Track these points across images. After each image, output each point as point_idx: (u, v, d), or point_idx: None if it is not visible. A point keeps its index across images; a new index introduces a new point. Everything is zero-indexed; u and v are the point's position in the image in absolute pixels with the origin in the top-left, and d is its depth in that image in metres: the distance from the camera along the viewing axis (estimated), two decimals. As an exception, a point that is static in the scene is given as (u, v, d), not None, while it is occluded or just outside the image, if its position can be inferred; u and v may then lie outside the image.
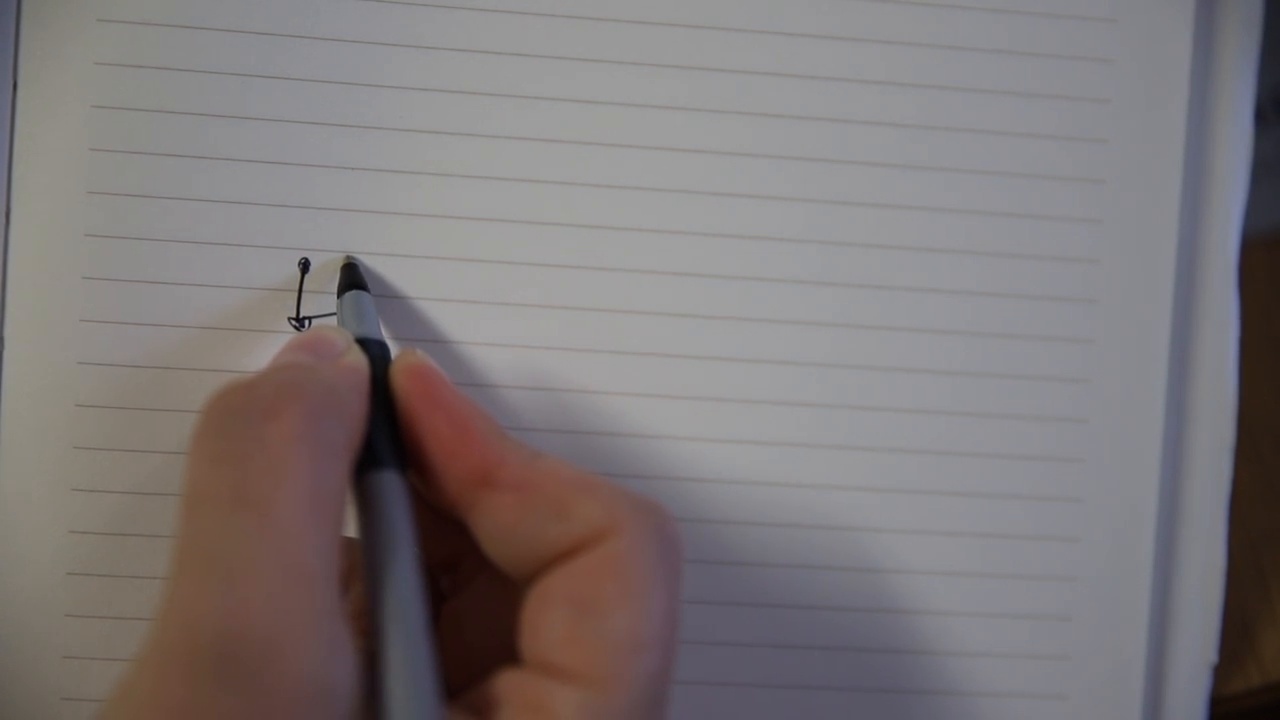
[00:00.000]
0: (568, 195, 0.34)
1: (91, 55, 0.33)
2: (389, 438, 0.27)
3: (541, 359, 0.35)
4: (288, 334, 0.34)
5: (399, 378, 0.28)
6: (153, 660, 0.22)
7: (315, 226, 0.34)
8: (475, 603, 0.29)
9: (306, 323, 0.34)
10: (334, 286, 0.34)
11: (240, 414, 0.25)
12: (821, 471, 0.35)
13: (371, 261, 0.34)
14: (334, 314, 0.33)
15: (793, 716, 0.35)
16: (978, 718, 0.36)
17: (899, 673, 0.36)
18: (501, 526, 0.26)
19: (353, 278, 0.33)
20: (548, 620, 0.25)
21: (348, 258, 0.34)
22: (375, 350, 0.29)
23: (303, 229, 0.34)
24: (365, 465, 0.26)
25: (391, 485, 0.26)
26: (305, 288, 0.34)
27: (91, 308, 0.33)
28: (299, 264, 0.34)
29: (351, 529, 0.26)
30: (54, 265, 0.33)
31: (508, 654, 0.26)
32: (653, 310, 0.35)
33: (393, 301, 0.34)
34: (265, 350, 0.34)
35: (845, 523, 0.35)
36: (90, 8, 0.33)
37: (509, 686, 0.25)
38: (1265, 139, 0.44)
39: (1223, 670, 0.38)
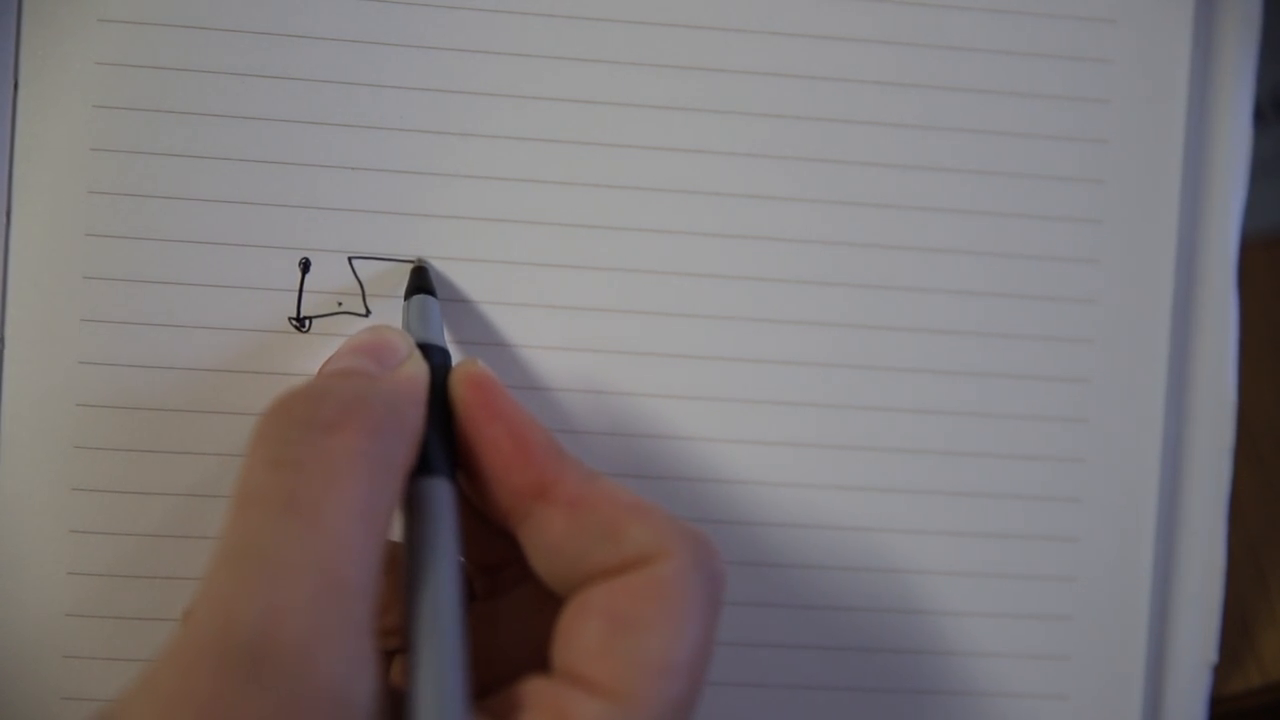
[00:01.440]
0: (567, 195, 0.34)
1: (92, 55, 0.33)
2: (443, 445, 0.27)
3: (538, 359, 0.35)
4: (288, 334, 0.34)
5: (459, 387, 0.28)
6: (184, 651, 0.21)
7: (316, 226, 0.34)
8: (512, 609, 0.29)
9: (307, 323, 0.34)
10: (336, 286, 0.34)
11: (302, 423, 0.25)
12: (821, 471, 0.35)
13: (372, 262, 0.34)
14: (343, 312, 0.33)
15: (793, 716, 0.35)
16: (978, 718, 0.36)
17: (899, 673, 0.35)
18: (551, 541, 0.26)
19: (421, 281, 0.33)
20: (583, 631, 0.25)
21: (419, 260, 0.34)
22: (437, 357, 0.29)
23: (303, 229, 0.34)
24: (417, 470, 0.26)
25: (441, 492, 0.26)
26: (305, 287, 0.34)
27: (92, 307, 0.33)
28: (299, 264, 0.34)
29: (396, 531, 0.26)
30: (55, 265, 0.33)
31: (538, 662, 0.26)
32: (651, 310, 0.35)
33: (394, 302, 0.34)
34: (265, 351, 0.34)
35: (845, 522, 0.35)
36: (91, 7, 0.33)
37: (534, 693, 0.25)
38: (1265, 139, 0.44)
39: (1223, 670, 0.38)
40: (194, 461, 0.34)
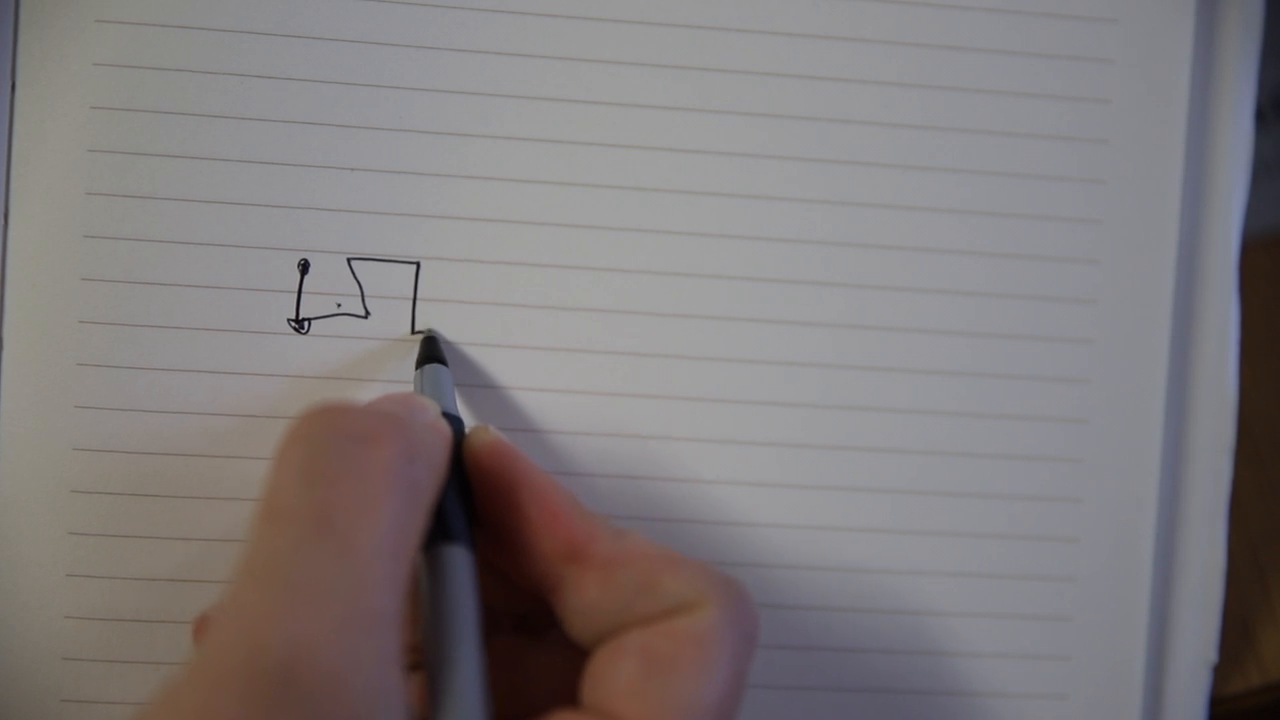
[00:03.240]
0: (567, 195, 0.34)
1: (90, 56, 0.33)
2: (462, 512, 0.27)
3: (536, 358, 0.35)
4: (287, 336, 0.34)
5: (482, 455, 0.28)
6: (210, 671, 0.21)
7: (314, 227, 0.34)
8: (541, 647, 0.29)
9: (306, 324, 0.34)
10: (335, 287, 0.34)
11: (340, 434, 0.24)
12: (821, 472, 0.35)
13: (372, 263, 0.34)
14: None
15: (793, 716, 0.35)
16: (978, 718, 0.36)
17: (899, 673, 0.36)
18: (587, 601, 0.27)
19: (432, 351, 0.33)
20: (617, 670, 0.25)
21: (429, 330, 0.34)
22: (454, 426, 0.29)
23: (302, 230, 0.34)
24: (435, 537, 0.26)
25: (461, 560, 0.26)
26: (304, 288, 0.34)
27: (90, 309, 0.33)
28: (298, 265, 0.34)
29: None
30: (53, 266, 0.33)
31: (566, 698, 0.27)
32: (649, 310, 0.35)
33: (397, 303, 0.34)
34: (264, 352, 0.34)
35: (845, 523, 0.35)
36: (89, 8, 0.33)
37: None
38: (1265, 139, 0.44)
39: (1223, 670, 0.38)
40: (194, 463, 0.34)
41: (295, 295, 0.34)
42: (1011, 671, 0.36)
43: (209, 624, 0.22)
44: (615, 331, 0.35)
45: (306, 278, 0.34)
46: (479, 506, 0.28)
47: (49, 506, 0.33)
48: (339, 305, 0.34)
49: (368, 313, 0.34)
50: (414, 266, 0.34)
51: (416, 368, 0.33)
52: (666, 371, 0.35)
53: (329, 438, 0.24)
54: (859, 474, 0.35)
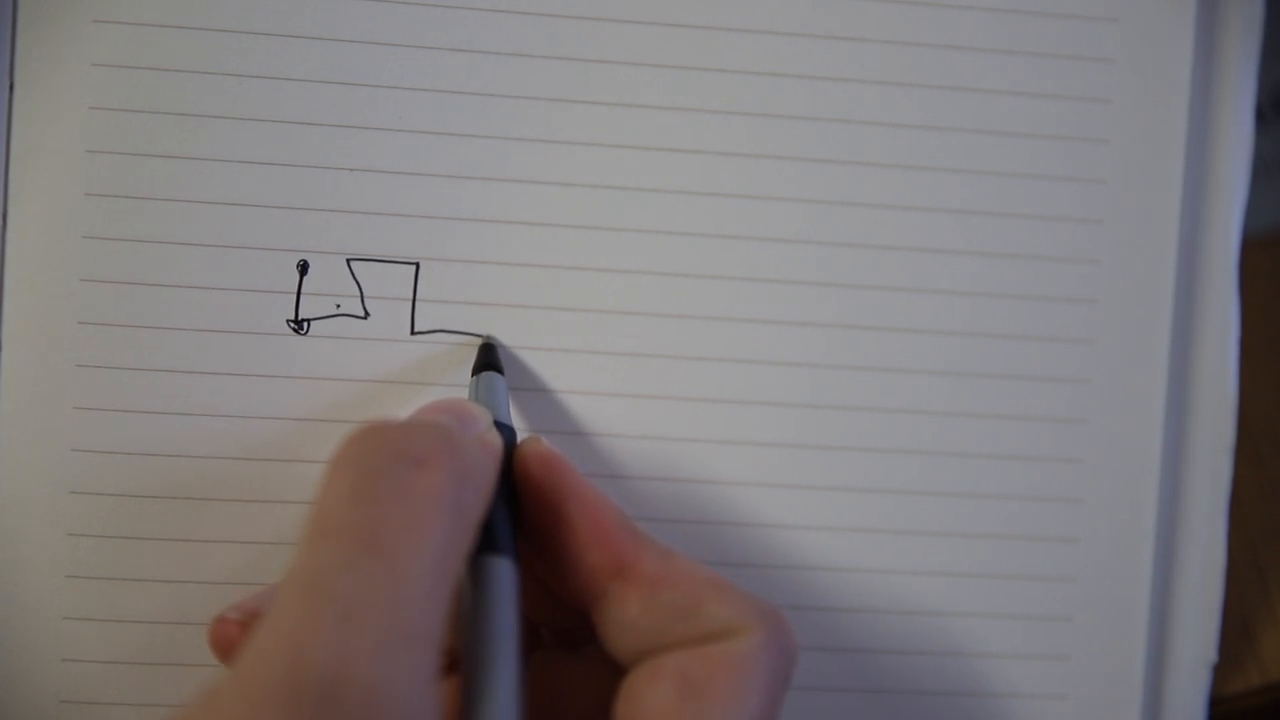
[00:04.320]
0: (567, 195, 0.34)
1: (89, 56, 0.33)
2: (508, 524, 0.27)
3: (536, 358, 0.34)
4: (286, 337, 0.34)
5: (532, 466, 0.28)
6: (250, 682, 0.21)
7: (314, 228, 0.34)
8: (577, 663, 0.29)
9: (305, 325, 0.34)
10: (334, 288, 0.34)
11: (393, 455, 0.24)
12: (820, 472, 0.35)
13: (371, 263, 0.34)
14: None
15: (792, 717, 0.35)
16: (978, 718, 0.36)
17: (899, 673, 0.36)
18: (629, 619, 0.27)
19: (489, 358, 0.33)
20: (653, 691, 0.25)
21: (487, 338, 0.34)
22: (505, 436, 0.29)
23: (301, 231, 0.34)
24: (481, 547, 0.26)
25: (505, 572, 0.26)
26: (304, 289, 0.34)
27: (89, 310, 0.33)
28: (297, 266, 0.34)
29: None
30: (51, 267, 0.33)
31: (597, 716, 0.27)
32: (648, 311, 0.35)
33: (397, 304, 0.34)
34: (263, 353, 0.34)
35: (844, 523, 0.35)
36: (87, 9, 0.33)
37: None
38: (1265, 139, 0.44)
39: (1223, 670, 0.38)
40: (193, 464, 0.34)
41: (295, 296, 0.34)
42: (1011, 671, 0.36)
43: (251, 635, 0.22)
44: (615, 332, 0.35)
45: (306, 278, 0.34)
46: (525, 516, 0.28)
47: (48, 507, 0.33)
48: (338, 306, 0.34)
49: (367, 313, 0.34)
50: (414, 267, 0.34)
51: (473, 374, 0.33)
52: (667, 371, 0.35)
53: (380, 459, 0.24)
54: (858, 474, 0.35)
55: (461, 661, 0.25)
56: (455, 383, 0.34)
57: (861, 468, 0.35)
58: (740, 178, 0.35)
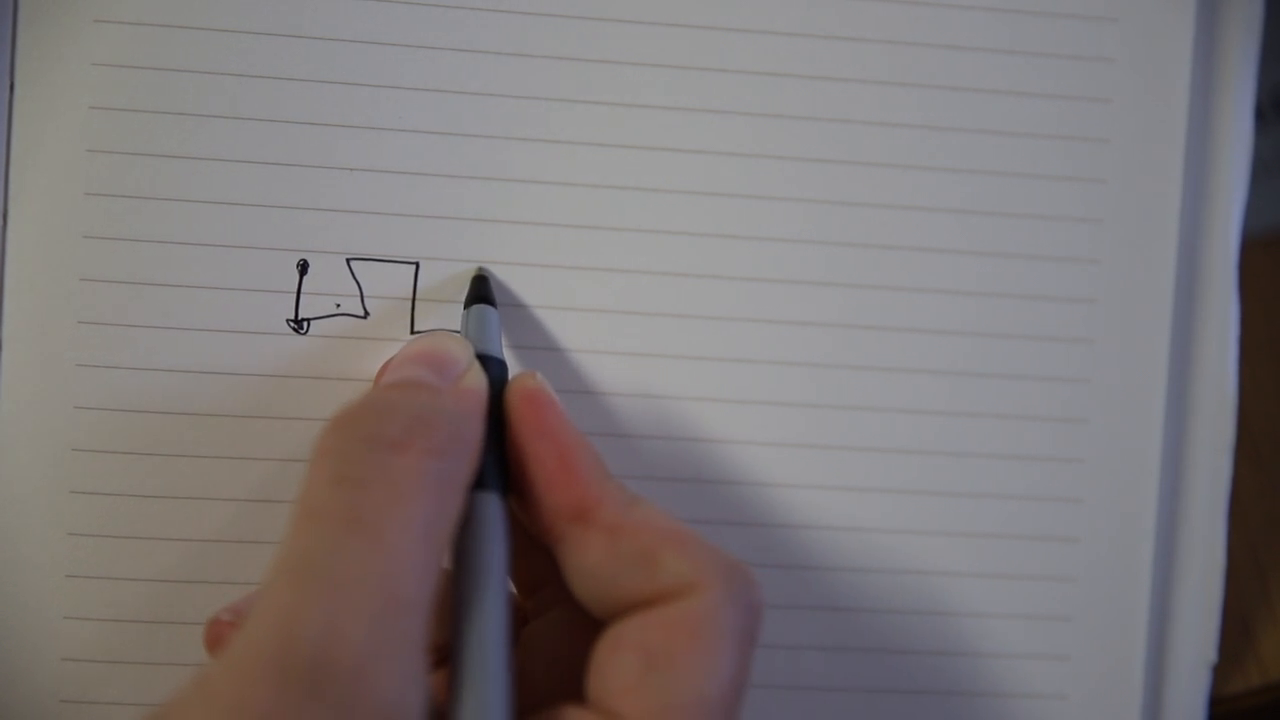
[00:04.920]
0: (567, 195, 0.34)
1: (89, 56, 0.33)
2: (497, 459, 0.27)
3: (536, 358, 0.34)
4: (286, 336, 0.34)
5: (513, 401, 0.28)
6: (242, 662, 0.21)
7: (313, 228, 0.34)
8: (551, 631, 0.29)
9: (305, 325, 0.34)
10: (334, 287, 0.34)
11: (367, 442, 0.25)
12: (821, 471, 0.35)
13: (371, 263, 0.34)
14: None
15: (793, 716, 0.35)
16: (978, 718, 0.36)
17: (899, 673, 0.36)
18: (588, 564, 0.26)
19: (481, 291, 0.33)
20: (616, 665, 0.25)
21: (479, 269, 0.34)
22: (494, 370, 0.29)
23: (301, 230, 0.34)
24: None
25: (492, 508, 0.26)
26: (303, 289, 0.34)
27: (89, 310, 0.33)
28: (297, 265, 0.34)
29: None
30: (52, 267, 0.33)
31: (572, 687, 0.26)
32: (649, 310, 0.35)
33: (396, 303, 0.34)
34: (263, 353, 0.34)
35: (844, 523, 0.35)
36: (87, 8, 0.33)
37: None
38: (1265, 139, 0.44)
39: (1223, 670, 0.38)
40: (192, 464, 0.34)
41: (294, 295, 0.34)
42: (1011, 671, 0.36)
43: (242, 618, 0.23)
44: (615, 332, 0.35)
45: (306, 278, 0.34)
46: (508, 453, 0.28)
47: (49, 506, 0.33)
48: (338, 305, 0.34)
49: (367, 313, 0.34)
50: (414, 266, 0.34)
51: (464, 307, 0.33)
52: (667, 371, 0.35)
53: (356, 447, 0.25)
54: (858, 473, 0.35)
55: (452, 592, 0.25)
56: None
57: (859, 467, 0.35)
58: (739, 177, 0.35)
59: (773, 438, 0.35)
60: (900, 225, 0.35)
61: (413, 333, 0.34)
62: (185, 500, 0.34)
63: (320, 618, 0.22)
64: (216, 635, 0.29)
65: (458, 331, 0.33)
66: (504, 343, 0.34)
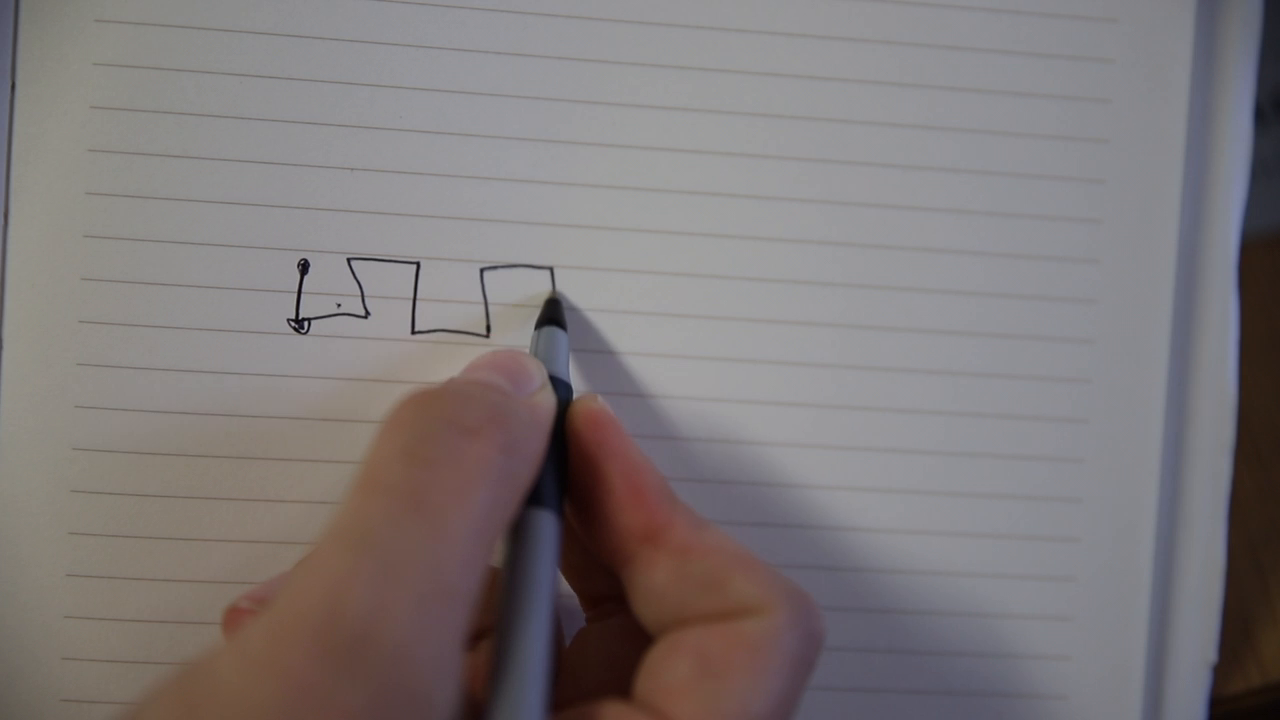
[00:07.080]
0: (567, 195, 0.34)
1: (90, 55, 0.33)
2: (555, 479, 0.28)
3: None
4: (287, 336, 0.34)
5: (580, 423, 0.28)
6: (284, 623, 0.21)
7: (314, 227, 0.34)
8: (607, 634, 0.30)
9: (306, 324, 0.34)
10: (334, 287, 0.34)
11: (445, 422, 0.25)
12: (821, 471, 0.35)
13: (372, 263, 0.34)
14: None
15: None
16: (978, 718, 0.36)
17: (900, 672, 0.35)
18: (655, 585, 0.27)
19: (553, 313, 0.33)
20: (671, 667, 0.25)
21: (553, 293, 0.34)
22: (561, 391, 0.29)
23: (302, 230, 0.34)
24: (527, 501, 0.27)
25: (547, 526, 0.26)
26: (304, 289, 0.34)
27: (90, 309, 0.33)
28: (298, 265, 0.34)
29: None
30: (53, 266, 0.33)
31: (618, 687, 0.27)
32: (649, 310, 0.35)
33: (397, 303, 0.34)
34: (263, 352, 0.34)
35: (844, 522, 0.35)
36: (88, 8, 0.33)
37: (612, 717, 0.25)
38: (1265, 139, 0.44)
39: (1223, 670, 0.38)
40: (193, 464, 0.34)
41: (295, 295, 0.34)
42: (1011, 671, 0.36)
43: (264, 606, 0.22)
44: (614, 331, 0.35)
45: (306, 278, 0.34)
46: (571, 474, 0.28)
47: (49, 506, 0.33)
48: (339, 305, 0.34)
49: (368, 313, 0.34)
50: (414, 266, 0.34)
51: (535, 328, 0.33)
52: (667, 371, 0.35)
53: (432, 424, 0.25)
54: (858, 473, 0.35)
55: (497, 607, 0.25)
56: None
57: (859, 466, 0.35)
58: (739, 177, 0.35)
59: (772, 437, 0.35)
60: (900, 225, 0.35)
61: (414, 332, 0.34)
62: (186, 500, 0.34)
63: (370, 593, 0.22)
64: (235, 624, 0.29)
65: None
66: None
